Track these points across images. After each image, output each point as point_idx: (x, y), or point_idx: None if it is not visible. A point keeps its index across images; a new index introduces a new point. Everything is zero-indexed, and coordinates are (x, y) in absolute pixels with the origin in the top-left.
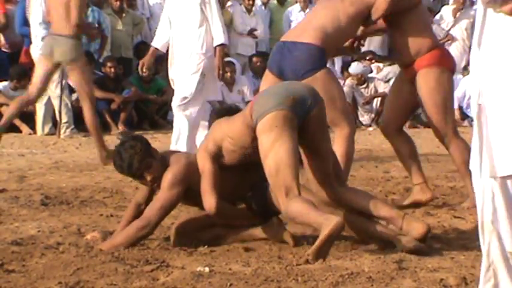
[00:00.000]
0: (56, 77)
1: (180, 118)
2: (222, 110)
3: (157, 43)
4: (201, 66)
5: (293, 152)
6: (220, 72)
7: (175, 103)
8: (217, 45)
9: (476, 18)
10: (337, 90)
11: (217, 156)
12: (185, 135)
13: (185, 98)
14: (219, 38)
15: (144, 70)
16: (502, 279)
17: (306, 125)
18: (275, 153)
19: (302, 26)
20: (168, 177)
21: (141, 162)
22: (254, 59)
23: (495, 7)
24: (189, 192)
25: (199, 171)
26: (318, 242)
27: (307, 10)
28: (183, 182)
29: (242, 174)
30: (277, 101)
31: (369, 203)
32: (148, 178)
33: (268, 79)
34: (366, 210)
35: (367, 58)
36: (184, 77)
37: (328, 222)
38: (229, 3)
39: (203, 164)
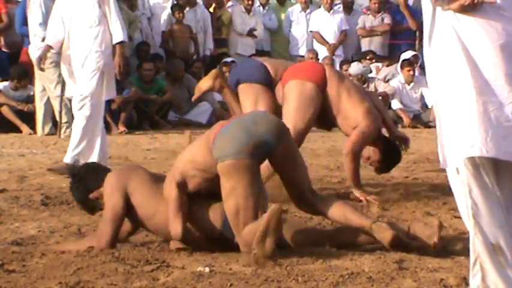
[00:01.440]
0: (55, 77)
1: (78, 118)
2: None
3: (50, 41)
4: (100, 64)
5: (252, 196)
6: (121, 70)
7: (74, 103)
8: (117, 43)
9: (425, 17)
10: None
11: (183, 184)
12: (83, 135)
13: (84, 97)
14: (118, 35)
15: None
16: (489, 271)
17: (274, 159)
18: (234, 198)
19: None
20: (104, 192)
21: (85, 204)
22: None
23: (443, 5)
24: (134, 208)
25: (134, 174)
26: (258, 233)
27: (308, 10)
28: (119, 188)
29: (209, 204)
30: (237, 149)
31: (339, 212)
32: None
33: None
34: (337, 221)
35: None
36: (83, 75)
37: (266, 214)
38: (229, 4)
39: (169, 191)
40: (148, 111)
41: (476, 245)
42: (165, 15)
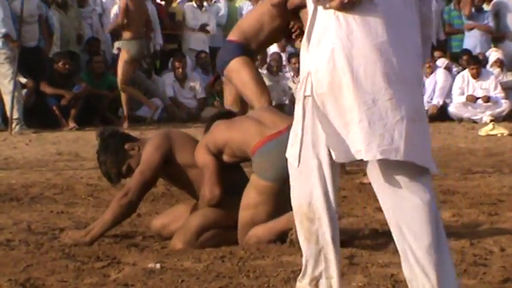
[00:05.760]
0: (9, 72)
1: None
2: (220, 114)
3: None
4: None
5: (271, 218)
6: None
7: None
8: None
9: (309, 14)
10: (248, 75)
11: (216, 155)
12: None
13: None
14: None
15: None
16: (332, 262)
17: None
18: (255, 213)
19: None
20: (146, 148)
21: (117, 173)
22: (202, 55)
23: (324, 4)
24: (173, 167)
25: (180, 141)
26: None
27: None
28: (162, 146)
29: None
30: (275, 176)
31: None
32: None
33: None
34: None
35: None
36: None
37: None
38: (179, 0)
39: (204, 159)
40: (100, 106)
41: (320, 237)
42: (115, 9)
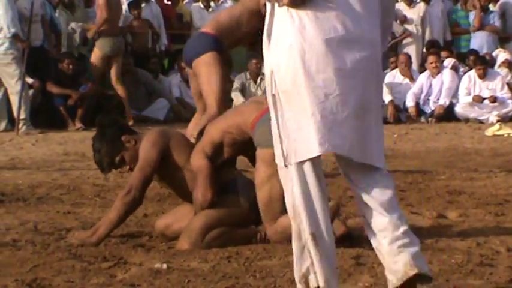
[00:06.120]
0: (16, 72)
1: None
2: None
3: None
4: None
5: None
6: None
7: None
8: None
9: (268, 12)
10: (216, 73)
11: (213, 158)
12: None
13: None
14: None
15: None
16: (315, 257)
17: None
18: (271, 187)
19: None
20: (143, 144)
21: (110, 162)
22: None
23: (278, 1)
24: (168, 166)
25: (177, 140)
26: None
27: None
28: (159, 143)
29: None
30: None
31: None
32: (126, 169)
33: (189, 71)
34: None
35: None
36: None
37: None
38: (186, 0)
39: (199, 162)
40: (106, 106)
41: (302, 234)
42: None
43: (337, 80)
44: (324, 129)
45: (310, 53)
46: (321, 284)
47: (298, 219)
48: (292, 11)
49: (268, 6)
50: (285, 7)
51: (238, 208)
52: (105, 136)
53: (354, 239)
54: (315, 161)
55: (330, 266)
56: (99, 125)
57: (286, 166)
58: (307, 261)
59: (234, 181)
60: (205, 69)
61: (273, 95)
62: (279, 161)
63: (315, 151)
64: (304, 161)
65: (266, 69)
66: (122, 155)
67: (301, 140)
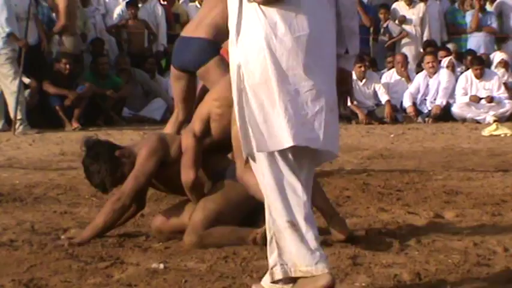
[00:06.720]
0: (11, 72)
1: None
2: None
3: None
4: None
5: None
6: None
7: None
8: None
9: (231, 13)
10: (222, 75)
11: (201, 137)
12: None
13: None
14: None
15: None
16: (284, 248)
17: None
18: None
19: (197, 22)
20: (141, 153)
21: (113, 181)
22: None
23: None
24: (167, 171)
25: (174, 144)
26: None
27: None
28: (158, 152)
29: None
30: None
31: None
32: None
33: (174, 74)
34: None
35: None
36: None
37: None
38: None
39: (186, 142)
40: (103, 106)
41: (271, 224)
42: (118, 9)
43: (306, 77)
44: (297, 123)
45: (281, 50)
46: (292, 273)
47: (269, 208)
48: (264, 8)
49: (235, 2)
50: (254, 4)
51: (234, 191)
52: (100, 156)
53: (355, 239)
54: (286, 152)
55: (313, 252)
56: (89, 148)
57: (252, 159)
58: (274, 252)
59: (227, 169)
60: (213, 73)
61: (240, 89)
62: (245, 152)
63: (287, 143)
64: (274, 152)
65: (232, 64)
66: (121, 170)
67: (269, 132)
